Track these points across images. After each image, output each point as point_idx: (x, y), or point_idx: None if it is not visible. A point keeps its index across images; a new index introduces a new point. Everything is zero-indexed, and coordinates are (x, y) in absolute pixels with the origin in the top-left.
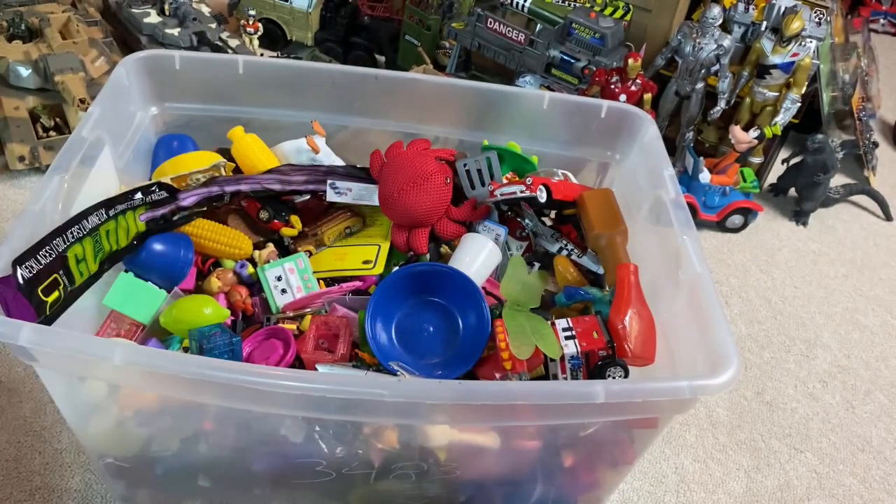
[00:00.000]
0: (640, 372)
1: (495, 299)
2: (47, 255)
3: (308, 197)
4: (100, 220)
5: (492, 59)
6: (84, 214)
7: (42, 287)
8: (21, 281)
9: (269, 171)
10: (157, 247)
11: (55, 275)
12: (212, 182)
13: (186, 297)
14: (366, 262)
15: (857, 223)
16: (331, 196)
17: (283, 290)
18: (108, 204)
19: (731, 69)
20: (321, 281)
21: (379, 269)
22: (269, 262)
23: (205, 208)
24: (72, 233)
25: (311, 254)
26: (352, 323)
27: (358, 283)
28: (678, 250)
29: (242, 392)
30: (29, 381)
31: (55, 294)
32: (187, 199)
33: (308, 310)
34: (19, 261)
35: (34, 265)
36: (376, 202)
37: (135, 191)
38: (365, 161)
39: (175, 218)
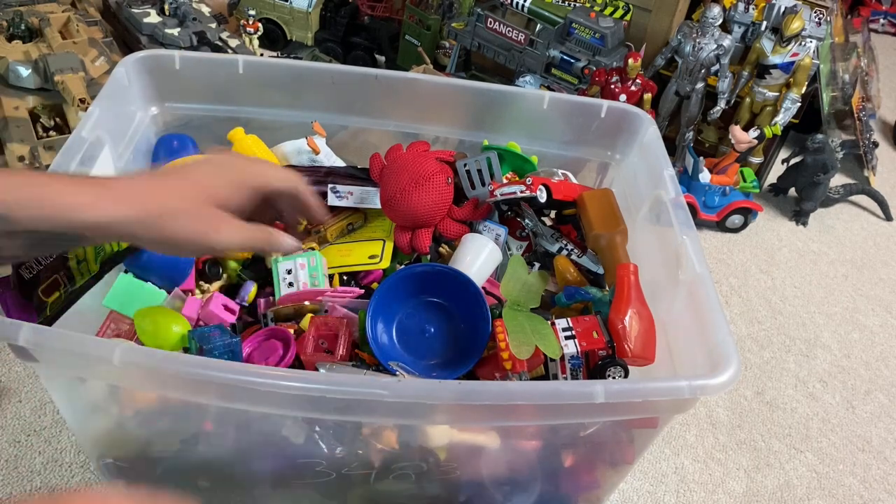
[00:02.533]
0: (640, 372)
1: (495, 299)
2: (48, 255)
3: None
4: None
5: (492, 59)
6: None
7: (42, 288)
8: (21, 282)
9: None
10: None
11: (56, 275)
12: None
13: (156, 309)
14: (372, 256)
15: (857, 223)
16: (332, 200)
17: (290, 284)
18: None
19: (731, 69)
20: (335, 277)
21: (385, 264)
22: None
23: None
24: None
25: (314, 251)
26: (352, 323)
27: (359, 291)
28: (678, 250)
29: (242, 392)
30: (29, 380)
31: (55, 294)
32: None
33: (306, 303)
34: (20, 262)
35: (35, 266)
36: (378, 205)
37: None
38: (365, 161)
39: None
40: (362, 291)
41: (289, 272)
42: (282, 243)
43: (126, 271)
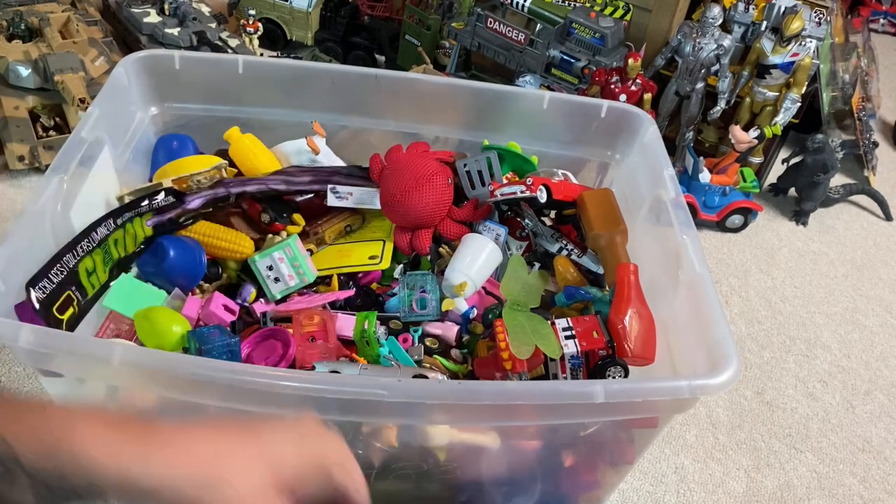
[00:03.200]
0: (640, 371)
1: (495, 299)
2: (59, 272)
3: (311, 196)
4: (108, 230)
5: (492, 59)
6: (93, 227)
7: (56, 306)
8: (36, 304)
9: (276, 173)
10: (178, 256)
11: (68, 291)
12: (218, 185)
13: (156, 309)
14: (372, 257)
15: (857, 223)
16: (332, 201)
17: (276, 279)
18: (115, 214)
19: (731, 69)
20: (334, 277)
21: (385, 265)
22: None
23: (210, 209)
24: (81, 247)
25: (312, 252)
26: (342, 323)
27: (350, 293)
28: (678, 250)
29: (241, 392)
30: (29, 381)
31: (70, 311)
32: (193, 202)
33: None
34: (32, 283)
35: (47, 285)
36: (378, 206)
37: (141, 199)
38: (365, 162)
39: (181, 220)
40: (353, 292)
41: (270, 268)
42: None
43: (144, 280)
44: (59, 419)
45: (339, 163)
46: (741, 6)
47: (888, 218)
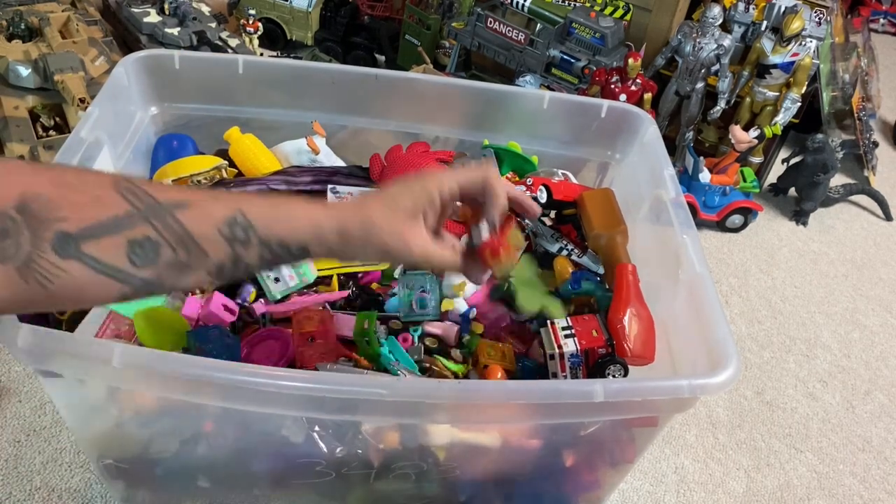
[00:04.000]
0: (640, 371)
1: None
2: None
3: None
4: None
5: (492, 59)
6: None
7: None
8: None
9: (276, 173)
10: None
11: None
12: (218, 185)
13: (155, 309)
14: None
15: (857, 223)
16: (332, 201)
17: (276, 279)
18: None
19: (731, 69)
20: (334, 278)
21: (385, 265)
22: None
23: None
24: None
25: None
26: (341, 322)
27: (345, 294)
28: (678, 250)
29: (242, 392)
30: (29, 380)
31: (70, 311)
32: None
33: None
34: None
35: None
36: None
37: None
38: (365, 161)
39: None
40: (347, 294)
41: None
42: (470, 273)
43: None
44: (281, 199)
45: (339, 163)
46: (741, 6)
47: (888, 218)
